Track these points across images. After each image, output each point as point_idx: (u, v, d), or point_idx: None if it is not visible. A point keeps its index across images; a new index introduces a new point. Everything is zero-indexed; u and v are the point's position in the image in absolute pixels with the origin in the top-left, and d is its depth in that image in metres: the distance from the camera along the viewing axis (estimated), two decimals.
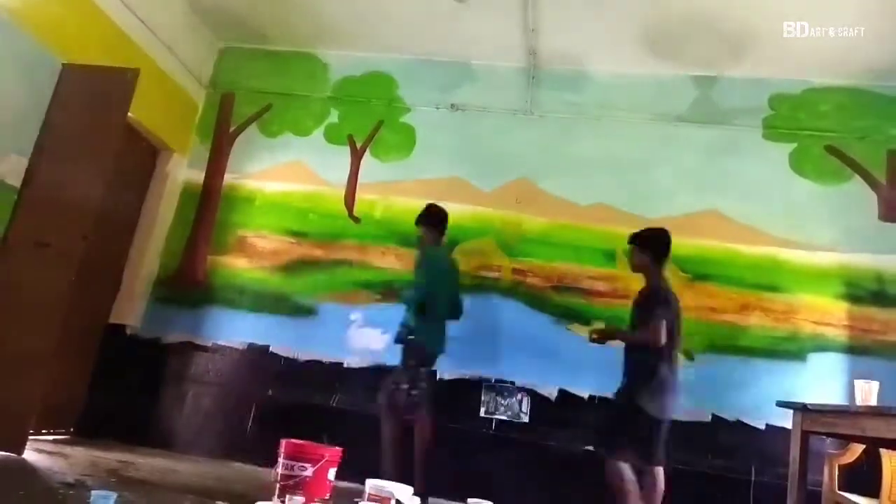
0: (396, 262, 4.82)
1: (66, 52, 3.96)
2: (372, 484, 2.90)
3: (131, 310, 4.90)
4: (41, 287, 3.76)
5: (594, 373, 4.37)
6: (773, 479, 3.91)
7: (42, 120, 3.88)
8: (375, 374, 4.54)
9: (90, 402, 4.63)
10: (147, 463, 3.83)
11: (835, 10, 4.05)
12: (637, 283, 4.53)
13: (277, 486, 2.95)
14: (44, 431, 4.25)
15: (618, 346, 3.43)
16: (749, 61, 4.64)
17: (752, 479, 4.04)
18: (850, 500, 3.23)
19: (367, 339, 4.48)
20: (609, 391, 4.29)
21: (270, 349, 4.77)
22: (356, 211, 5.01)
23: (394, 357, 4.52)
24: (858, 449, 3.43)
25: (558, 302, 4.58)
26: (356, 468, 3.29)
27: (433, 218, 4.02)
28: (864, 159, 4.52)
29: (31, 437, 3.57)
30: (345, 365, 4.65)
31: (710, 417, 4.20)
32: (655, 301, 3.31)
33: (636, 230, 3.55)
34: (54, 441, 4.19)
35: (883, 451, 3.28)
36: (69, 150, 4.13)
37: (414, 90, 5.20)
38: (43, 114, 3.88)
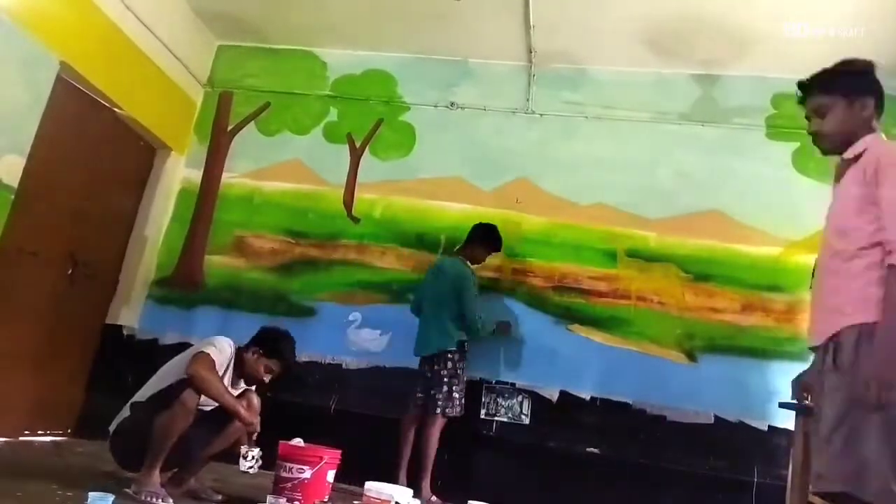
0: (396, 263, 4.78)
1: (65, 51, 3.91)
2: (371, 486, 2.88)
3: (128, 310, 4.86)
4: (37, 287, 3.74)
5: (595, 374, 4.36)
6: (776, 480, 3.88)
7: (40, 119, 3.83)
8: (375, 375, 4.53)
9: (87, 403, 4.58)
10: None
11: (835, 10, 4.00)
12: (635, 282, 4.55)
13: (276, 488, 2.92)
14: (41, 432, 4.22)
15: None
16: (751, 60, 4.60)
17: (755, 480, 4.01)
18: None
19: (367, 339, 4.44)
20: (610, 392, 4.31)
21: None
22: (355, 210, 4.97)
23: (394, 358, 4.51)
24: None
25: (558, 302, 4.54)
26: (355, 470, 3.27)
27: None
28: None
29: (28, 438, 3.55)
30: (344, 366, 4.62)
31: (712, 419, 4.17)
32: None
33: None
34: (52, 442, 4.16)
35: None
36: (66, 150, 4.11)
37: (413, 88, 5.16)
38: (41, 113, 3.84)
